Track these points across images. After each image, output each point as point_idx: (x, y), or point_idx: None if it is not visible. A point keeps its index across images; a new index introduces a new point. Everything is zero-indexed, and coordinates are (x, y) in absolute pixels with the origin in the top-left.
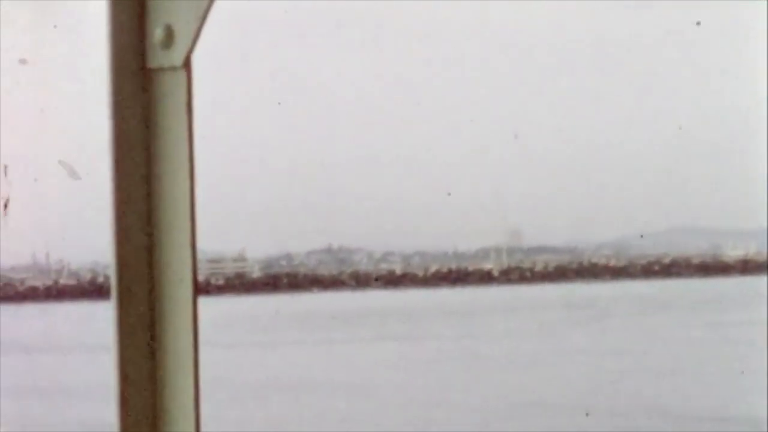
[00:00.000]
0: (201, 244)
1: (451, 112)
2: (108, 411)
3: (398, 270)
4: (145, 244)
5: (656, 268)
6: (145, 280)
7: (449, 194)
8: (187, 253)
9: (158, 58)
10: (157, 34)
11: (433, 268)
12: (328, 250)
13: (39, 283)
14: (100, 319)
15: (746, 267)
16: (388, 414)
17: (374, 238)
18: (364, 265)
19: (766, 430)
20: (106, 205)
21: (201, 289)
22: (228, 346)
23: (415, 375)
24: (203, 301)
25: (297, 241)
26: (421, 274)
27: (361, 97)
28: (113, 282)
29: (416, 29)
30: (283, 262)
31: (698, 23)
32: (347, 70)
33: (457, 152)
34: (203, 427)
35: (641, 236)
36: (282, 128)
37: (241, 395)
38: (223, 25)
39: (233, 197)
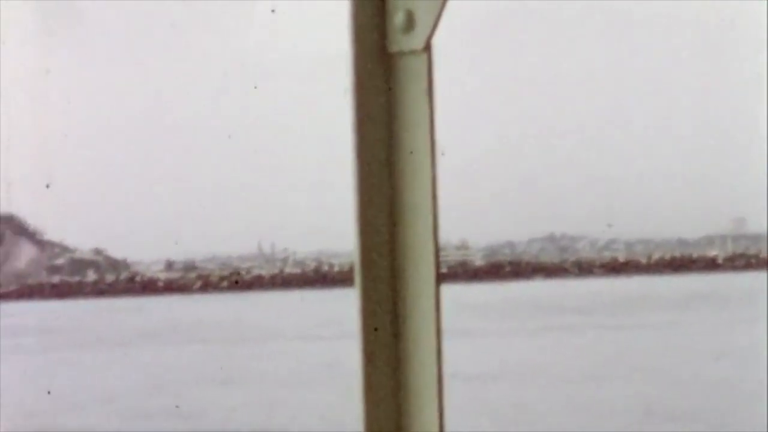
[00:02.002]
0: None
1: (673, 99)
2: (334, 397)
3: (621, 257)
4: (388, 230)
5: None
6: (387, 268)
7: (673, 181)
8: (430, 240)
9: (399, 43)
10: (398, 18)
11: (656, 256)
12: (551, 238)
13: (264, 271)
14: (325, 308)
15: None
16: (614, 403)
17: (597, 225)
18: (586, 253)
19: None
20: (332, 195)
21: None
22: (451, 334)
23: (638, 364)
24: None
25: (519, 228)
26: (644, 261)
27: (585, 84)
28: (357, 269)
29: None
30: (506, 250)
31: None
32: (568, 60)
33: (680, 137)
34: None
35: None
36: (508, 116)
37: (465, 383)
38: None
39: (456, 185)
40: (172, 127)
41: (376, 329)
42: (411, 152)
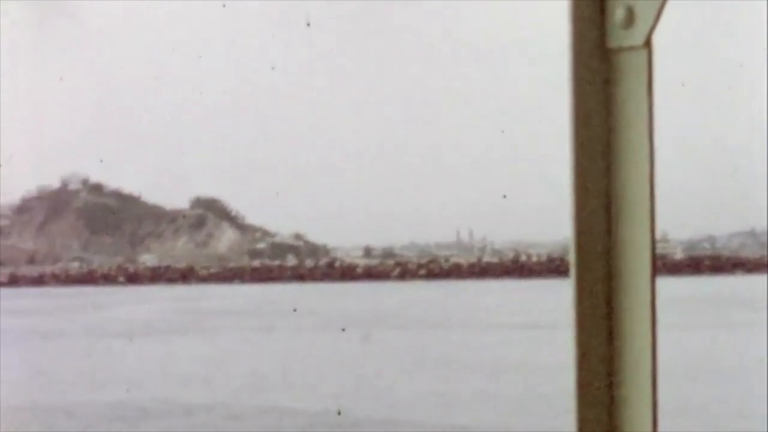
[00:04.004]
0: None
1: None
2: (504, 387)
3: None
4: (604, 226)
5: None
6: (603, 263)
7: None
8: (647, 235)
9: (619, 38)
10: (618, 14)
11: None
12: (752, 233)
13: (463, 260)
14: (520, 298)
15: None
16: None
17: None
18: None
19: None
20: (531, 186)
21: None
22: None
23: None
24: None
25: (719, 223)
26: None
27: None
28: (572, 265)
29: None
30: (706, 245)
31: None
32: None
33: None
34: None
35: None
36: (710, 108)
37: (663, 377)
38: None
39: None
40: (373, 115)
41: (590, 325)
42: (629, 147)
